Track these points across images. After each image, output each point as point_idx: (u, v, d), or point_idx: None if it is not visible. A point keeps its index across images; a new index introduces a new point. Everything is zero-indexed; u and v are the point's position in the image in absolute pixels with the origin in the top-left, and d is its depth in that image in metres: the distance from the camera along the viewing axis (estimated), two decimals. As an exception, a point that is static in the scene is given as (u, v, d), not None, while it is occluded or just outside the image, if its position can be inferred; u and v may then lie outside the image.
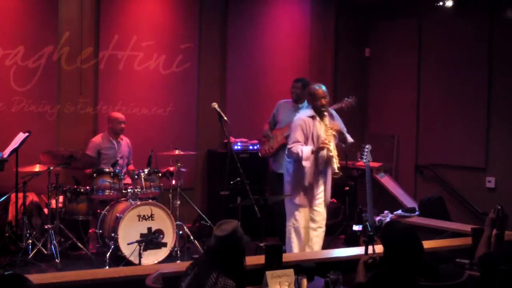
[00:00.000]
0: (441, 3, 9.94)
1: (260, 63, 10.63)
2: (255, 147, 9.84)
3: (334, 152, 7.11)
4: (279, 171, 8.59)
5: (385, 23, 11.41)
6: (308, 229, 7.39)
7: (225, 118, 6.94)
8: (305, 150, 7.17)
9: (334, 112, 7.58)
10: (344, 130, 7.42)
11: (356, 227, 8.81)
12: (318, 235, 7.44)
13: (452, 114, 10.20)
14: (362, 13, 11.56)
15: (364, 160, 8.17)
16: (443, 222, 8.64)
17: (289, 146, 7.28)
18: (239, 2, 10.53)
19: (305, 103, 8.71)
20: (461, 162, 10.07)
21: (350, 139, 7.40)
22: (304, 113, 7.40)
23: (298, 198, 7.36)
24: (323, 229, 7.50)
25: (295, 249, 7.32)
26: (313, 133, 7.25)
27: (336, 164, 7.07)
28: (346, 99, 8.59)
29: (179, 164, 8.50)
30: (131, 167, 8.94)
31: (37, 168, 7.96)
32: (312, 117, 7.29)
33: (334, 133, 7.19)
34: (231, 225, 4.28)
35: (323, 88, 7.37)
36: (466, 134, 9.97)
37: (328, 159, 7.27)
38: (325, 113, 7.25)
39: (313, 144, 7.22)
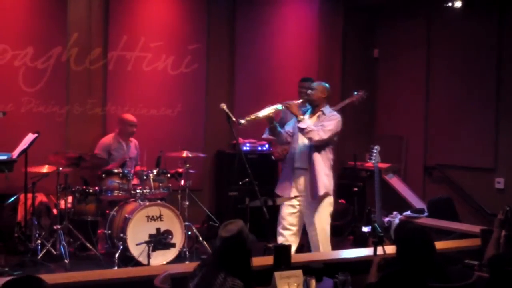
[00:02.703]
0: (449, 4, 9.93)
1: (268, 63, 10.63)
2: (264, 148, 9.84)
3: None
4: None
5: (393, 23, 11.40)
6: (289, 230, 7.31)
7: (234, 119, 6.94)
8: None
9: (327, 112, 7.37)
10: (323, 127, 7.19)
11: (365, 229, 8.80)
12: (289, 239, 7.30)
13: (460, 114, 10.18)
14: (371, 13, 11.56)
15: (373, 161, 8.17)
16: (451, 223, 8.61)
17: None
18: (247, 3, 10.53)
19: None
20: (470, 163, 10.04)
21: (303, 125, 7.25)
22: None
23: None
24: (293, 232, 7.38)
25: None
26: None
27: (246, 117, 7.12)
28: (355, 93, 8.56)
29: (187, 165, 8.51)
30: (138, 167, 8.94)
31: (46, 168, 7.99)
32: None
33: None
34: (237, 225, 4.28)
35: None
36: (475, 135, 9.95)
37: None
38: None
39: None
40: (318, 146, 7.20)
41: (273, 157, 9.16)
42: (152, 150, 8.86)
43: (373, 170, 8.32)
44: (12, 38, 8.91)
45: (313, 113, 7.39)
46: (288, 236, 7.22)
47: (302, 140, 7.27)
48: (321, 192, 7.14)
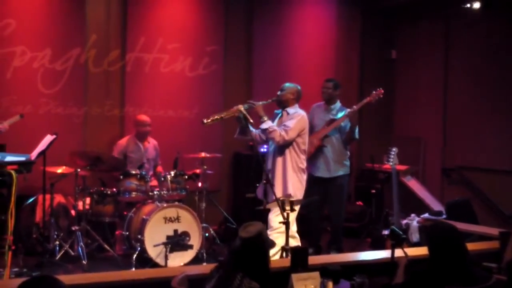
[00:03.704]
0: (468, 5, 9.89)
1: (286, 64, 10.62)
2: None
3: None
4: (316, 174, 8.58)
5: (411, 25, 11.37)
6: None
7: (251, 121, 6.95)
8: None
9: (291, 112, 7.30)
10: (285, 126, 7.11)
11: (385, 232, 8.77)
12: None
13: (479, 116, 10.13)
14: (389, 15, 11.53)
15: (391, 163, 8.14)
16: (470, 225, 8.55)
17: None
18: (264, 4, 10.53)
19: (338, 104, 8.69)
20: (488, 164, 9.98)
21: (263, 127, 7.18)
22: None
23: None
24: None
25: None
26: None
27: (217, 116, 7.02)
28: (374, 92, 8.55)
29: (205, 167, 8.52)
30: (159, 168, 8.96)
31: (64, 170, 8.02)
32: None
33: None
34: (256, 227, 4.29)
35: None
36: (494, 136, 9.90)
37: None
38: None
39: None
40: (281, 148, 7.16)
41: None
42: (170, 151, 8.88)
43: (391, 172, 8.28)
44: (31, 39, 8.95)
45: (282, 115, 7.40)
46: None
47: (271, 141, 7.25)
48: (277, 194, 6.95)
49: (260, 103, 7.23)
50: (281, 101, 7.39)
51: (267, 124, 7.11)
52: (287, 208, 6.37)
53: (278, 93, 7.42)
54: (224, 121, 9.90)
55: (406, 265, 5.10)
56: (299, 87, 7.48)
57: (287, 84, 7.49)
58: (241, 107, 6.97)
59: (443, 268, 4.46)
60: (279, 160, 7.19)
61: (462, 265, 4.48)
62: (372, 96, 8.55)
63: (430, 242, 4.65)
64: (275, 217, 6.86)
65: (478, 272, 4.62)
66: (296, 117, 7.22)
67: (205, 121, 6.90)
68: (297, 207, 6.88)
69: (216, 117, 6.97)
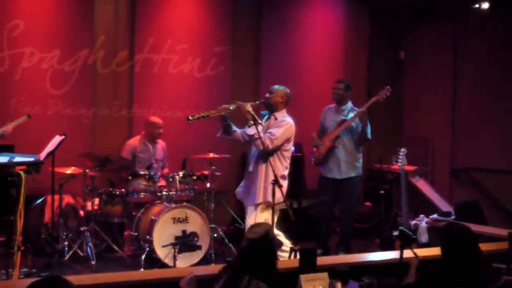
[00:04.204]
0: (476, 5, 9.87)
1: (294, 65, 10.61)
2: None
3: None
4: (328, 175, 8.58)
5: (420, 25, 11.35)
6: None
7: (259, 121, 6.94)
8: None
9: (279, 118, 7.24)
10: (271, 134, 7.07)
11: (394, 232, 8.75)
12: None
13: (488, 116, 10.11)
14: (397, 15, 11.51)
15: (399, 164, 8.12)
16: (478, 226, 8.52)
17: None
18: (272, 5, 10.53)
19: (349, 105, 8.67)
20: (497, 165, 9.96)
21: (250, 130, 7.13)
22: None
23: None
24: None
25: None
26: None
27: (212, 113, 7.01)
28: (381, 90, 8.56)
29: (213, 167, 8.52)
30: (166, 170, 8.96)
31: (73, 170, 8.03)
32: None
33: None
34: (263, 228, 4.30)
35: None
36: (503, 137, 9.88)
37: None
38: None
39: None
40: (265, 153, 7.07)
41: (314, 164, 8.96)
42: (178, 152, 8.88)
43: (399, 173, 8.26)
44: (40, 40, 8.97)
45: (269, 118, 7.32)
46: None
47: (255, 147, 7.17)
48: (258, 200, 6.99)
49: (248, 104, 7.07)
50: (270, 104, 7.31)
51: (252, 130, 6.97)
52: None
53: (267, 95, 7.35)
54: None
55: (417, 266, 5.10)
56: (288, 90, 7.41)
57: (276, 87, 7.41)
58: (249, 108, 6.94)
59: (455, 268, 4.45)
60: (262, 165, 7.12)
61: (474, 266, 4.47)
62: (380, 94, 8.57)
63: (444, 243, 4.64)
64: (251, 222, 6.81)
65: (487, 273, 4.62)
66: (284, 126, 7.15)
67: (190, 117, 6.84)
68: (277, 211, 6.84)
69: (202, 114, 6.92)
